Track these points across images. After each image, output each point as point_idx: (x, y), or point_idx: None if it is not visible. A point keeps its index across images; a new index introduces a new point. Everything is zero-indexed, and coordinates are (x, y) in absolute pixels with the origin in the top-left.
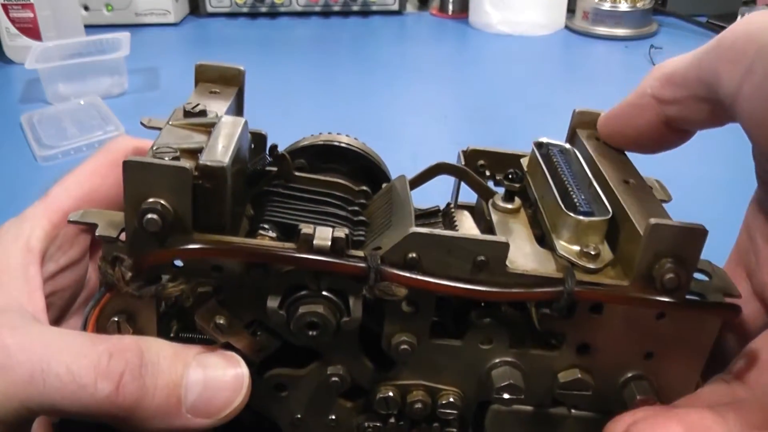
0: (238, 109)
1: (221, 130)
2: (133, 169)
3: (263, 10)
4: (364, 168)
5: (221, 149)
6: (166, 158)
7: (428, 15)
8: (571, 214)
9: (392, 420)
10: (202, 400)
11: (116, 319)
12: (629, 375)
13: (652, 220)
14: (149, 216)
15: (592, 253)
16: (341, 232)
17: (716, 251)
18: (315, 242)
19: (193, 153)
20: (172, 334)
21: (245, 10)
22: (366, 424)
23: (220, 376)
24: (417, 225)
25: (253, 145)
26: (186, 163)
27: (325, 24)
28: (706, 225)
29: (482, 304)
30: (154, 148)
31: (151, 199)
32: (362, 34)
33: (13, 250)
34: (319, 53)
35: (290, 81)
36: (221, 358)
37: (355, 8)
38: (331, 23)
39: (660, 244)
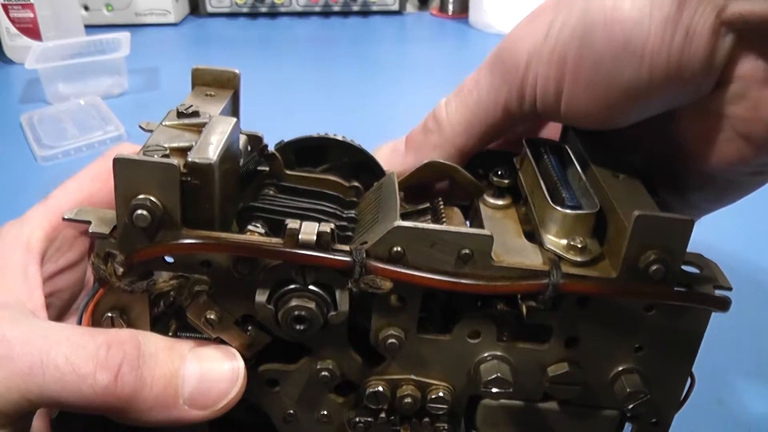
0: (233, 111)
1: (211, 129)
2: (123, 166)
3: (263, 10)
4: (360, 164)
5: (210, 147)
6: (156, 156)
7: (428, 15)
8: (558, 208)
9: (383, 415)
10: (199, 392)
11: (110, 314)
12: (620, 369)
13: (637, 212)
14: (139, 212)
15: (579, 246)
16: (327, 227)
17: (709, 246)
18: (300, 236)
19: (183, 151)
20: (170, 333)
21: (245, 10)
22: (357, 419)
23: (216, 368)
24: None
25: (249, 147)
26: (174, 160)
27: (325, 24)
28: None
29: (479, 303)
30: (145, 147)
31: (141, 196)
32: (362, 34)
33: (13, 250)
34: (319, 53)
35: (290, 81)
36: (217, 351)
37: (355, 8)
38: (331, 23)
39: (645, 236)
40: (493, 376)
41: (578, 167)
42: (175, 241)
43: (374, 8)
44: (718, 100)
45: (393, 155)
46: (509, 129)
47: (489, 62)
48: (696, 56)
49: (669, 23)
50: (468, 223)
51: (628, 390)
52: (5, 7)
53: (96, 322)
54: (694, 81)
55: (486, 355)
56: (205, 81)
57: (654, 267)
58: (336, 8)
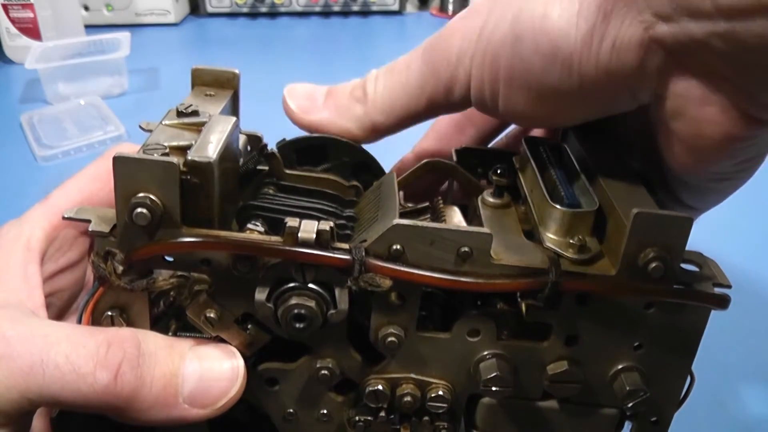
0: (233, 111)
1: (211, 128)
2: (122, 164)
3: (263, 10)
4: (360, 163)
5: (209, 146)
6: (156, 154)
7: (428, 15)
8: (557, 206)
9: (382, 414)
10: (199, 391)
11: (110, 313)
12: (619, 367)
13: (636, 209)
14: (138, 210)
15: (579, 244)
16: (326, 225)
17: (709, 245)
18: (300, 234)
19: (183, 150)
20: (170, 334)
21: (245, 10)
22: (357, 417)
23: (216, 367)
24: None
25: (249, 147)
26: (173, 158)
27: (325, 24)
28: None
29: (479, 302)
30: (145, 145)
31: (140, 194)
32: (362, 34)
33: (13, 250)
34: (319, 53)
35: (290, 81)
36: (217, 350)
37: (355, 8)
38: (331, 23)
39: (644, 233)
40: (493, 375)
41: (577, 166)
42: (174, 239)
43: (374, 8)
44: (660, 113)
45: (308, 102)
46: (433, 117)
47: (423, 48)
48: (624, 67)
49: (595, 34)
50: (467, 222)
51: (627, 388)
52: (5, 7)
53: (96, 320)
54: (627, 89)
55: (485, 353)
56: (205, 81)
57: (653, 265)
58: (336, 8)
